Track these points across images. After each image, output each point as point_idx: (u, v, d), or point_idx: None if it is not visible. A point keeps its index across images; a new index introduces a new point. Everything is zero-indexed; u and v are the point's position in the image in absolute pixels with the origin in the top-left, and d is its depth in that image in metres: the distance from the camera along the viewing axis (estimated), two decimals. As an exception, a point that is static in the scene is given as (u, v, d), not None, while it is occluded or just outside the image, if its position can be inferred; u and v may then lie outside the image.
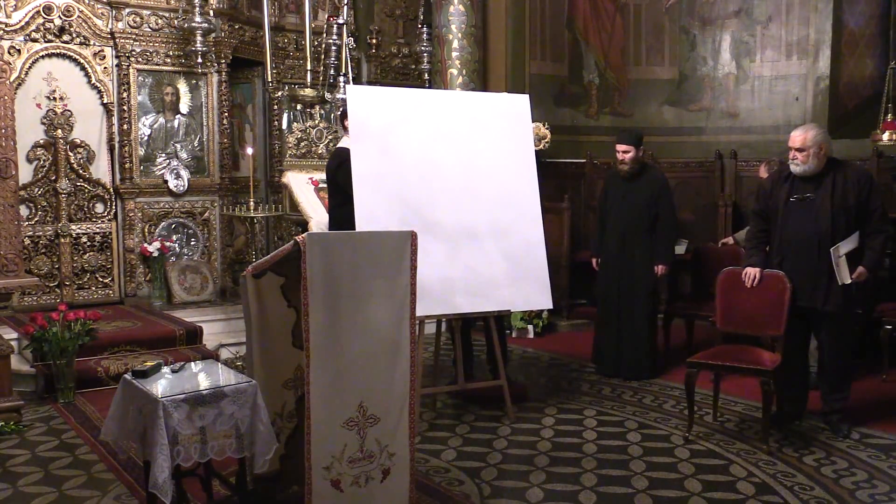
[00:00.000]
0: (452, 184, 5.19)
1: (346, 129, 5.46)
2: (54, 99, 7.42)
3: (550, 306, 5.49)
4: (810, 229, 4.70)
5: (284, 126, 8.61)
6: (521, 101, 5.61)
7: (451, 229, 5.12)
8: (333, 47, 7.80)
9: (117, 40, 7.63)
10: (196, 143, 8.23)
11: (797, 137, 4.73)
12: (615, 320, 6.13)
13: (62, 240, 7.49)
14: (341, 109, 6.43)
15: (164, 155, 8.05)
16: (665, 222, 6.06)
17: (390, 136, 5.09)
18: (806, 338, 4.98)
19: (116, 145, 7.73)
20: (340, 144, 5.57)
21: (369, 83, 9.08)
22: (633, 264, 6.06)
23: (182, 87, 8.12)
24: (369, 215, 4.83)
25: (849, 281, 4.65)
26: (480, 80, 8.44)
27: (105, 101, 7.67)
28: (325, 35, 8.00)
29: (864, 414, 5.10)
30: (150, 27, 7.82)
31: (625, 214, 6.11)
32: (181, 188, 8.09)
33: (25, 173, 7.16)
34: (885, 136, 7.27)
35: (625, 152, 6.06)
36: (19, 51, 7.22)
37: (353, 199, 4.87)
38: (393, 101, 5.24)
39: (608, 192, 6.34)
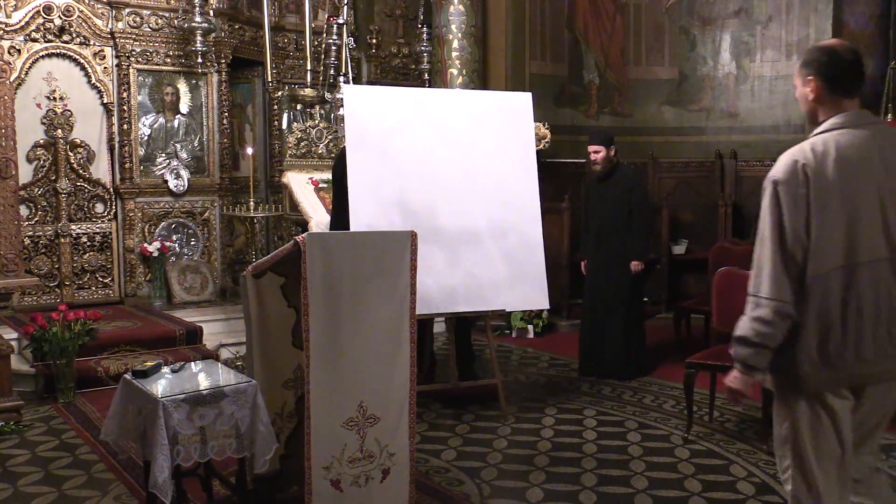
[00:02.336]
0: (453, 187, 5.19)
1: None
2: (54, 99, 7.42)
3: (547, 306, 5.50)
4: None
5: (284, 126, 8.59)
6: (523, 99, 5.60)
7: (451, 235, 5.12)
8: (333, 47, 7.79)
9: (117, 40, 7.63)
10: (196, 143, 8.23)
11: None
12: (595, 320, 6.11)
13: (62, 240, 7.49)
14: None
15: (164, 155, 8.05)
16: (639, 218, 6.00)
17: (389, 138, 5.07)
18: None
19: (116, 145, 7.73)
20: None
21: (369, 83, 9.08)
22: (609, 264, 6.04)
23: (182, 87, 8.12)
24: (370, 223, 4.82)
25: None
26: (480, 80, 8.44)
27: (105, 101, 7.68)
28: (325, 35, 8.00)
29: (863, 414, 5.09)
30: (150, 27, 7.82)
31: (600, 215, 6.12)
32: (181, 188, 8.09)
33: (25, 173, 7.16)
34: (885, 137, 7.26)
35: (595, 152, 6.04)
36: (19, 51, 7.21)
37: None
38: (391, 101, 5.22)
39: (588, 193, 6.40)
